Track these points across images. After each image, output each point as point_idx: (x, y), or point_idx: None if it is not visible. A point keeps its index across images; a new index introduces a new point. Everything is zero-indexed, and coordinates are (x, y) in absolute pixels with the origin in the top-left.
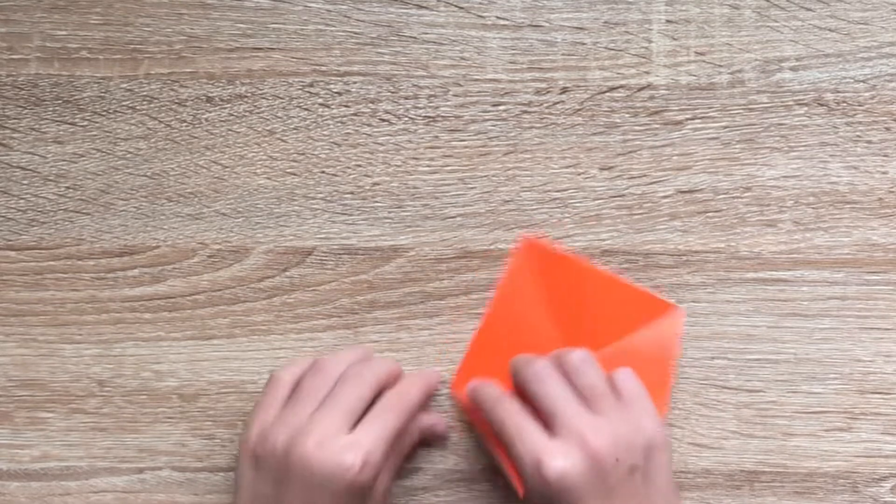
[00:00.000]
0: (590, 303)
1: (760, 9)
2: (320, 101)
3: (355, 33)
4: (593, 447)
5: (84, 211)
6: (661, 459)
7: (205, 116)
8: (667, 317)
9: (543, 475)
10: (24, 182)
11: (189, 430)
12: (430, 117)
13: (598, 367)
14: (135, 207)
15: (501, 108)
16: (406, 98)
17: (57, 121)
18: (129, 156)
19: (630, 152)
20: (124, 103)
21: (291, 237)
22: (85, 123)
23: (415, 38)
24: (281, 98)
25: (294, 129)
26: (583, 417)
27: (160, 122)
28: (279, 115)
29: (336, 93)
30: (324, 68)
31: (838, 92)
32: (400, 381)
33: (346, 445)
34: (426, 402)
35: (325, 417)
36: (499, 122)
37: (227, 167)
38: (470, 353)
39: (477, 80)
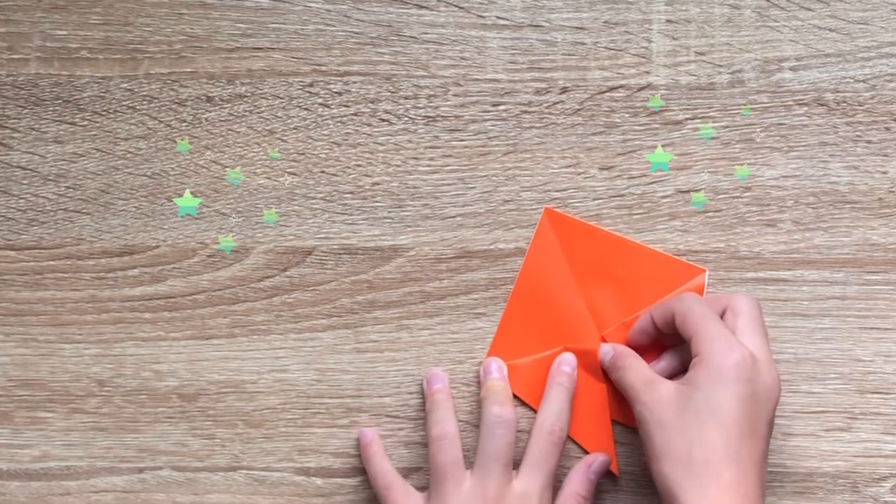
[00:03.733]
0: (615, 269)
1: (760, 9)
2: (320, 101)
3: (355, 33)
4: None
5: (84, 211)
6: None
7: (205, 116)
8: (691, 279)
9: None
10: (24, 182)
11: (189, 430)
12: (430, 117)
13: None
14: (135, 207)
15: (501, 108)
16: (406, 98)
17: (57, 121)
18: (129, 156)
19: (630, 152)
20: (124, 103)
21: (291, 237)
22: (85, 123)
23: (415, 38)
24: (281, 98)
25: (294, 129)
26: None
27: (160, 122)
28: (279, 115)
29: (336, 93)
30: (324, 68)
31: (838, 92)
32: (547, 390)
33: (520, 498)
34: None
35: (488, 477)
36: (499, 122)
37: (227, 167)
38: (502, 325)
39: (477, 80)
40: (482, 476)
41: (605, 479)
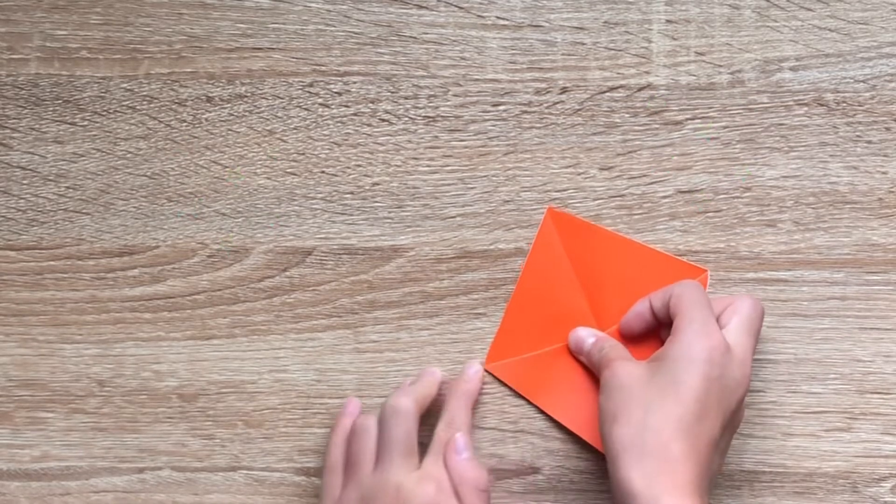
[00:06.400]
0: (617, 269)
1: (760, 9)
2: (320, 101)
3: (355, 33)
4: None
5: (84, 211)
6: None
7: (205, 116)
8: (692, 279)
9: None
10: (24, 182)
11: (189, 430)
12: (430, 117)
13: None
14: (135, 207)
15: (501, 108)
16: (406, 98)
17: (57, 121)
18: (129, 156)
19: (630, 152)
20: (124, 103)
21: (291, 237)
22: (85, 123)
23: (415, 38)
24: (281, 98)
25: (294, 129)
26: None
27: (160, 122)
28: (279, 115)
29: (336, 93)
30: (324, 68)
31: (838, 92)
32: (448, 399)
33: (418, 480)
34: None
35: (389, 466)
36: (499, 122)
37: (226, 167)
38: (504, 323)
39: (477, 80)
40: (385, 464)
41: (601, 475)
